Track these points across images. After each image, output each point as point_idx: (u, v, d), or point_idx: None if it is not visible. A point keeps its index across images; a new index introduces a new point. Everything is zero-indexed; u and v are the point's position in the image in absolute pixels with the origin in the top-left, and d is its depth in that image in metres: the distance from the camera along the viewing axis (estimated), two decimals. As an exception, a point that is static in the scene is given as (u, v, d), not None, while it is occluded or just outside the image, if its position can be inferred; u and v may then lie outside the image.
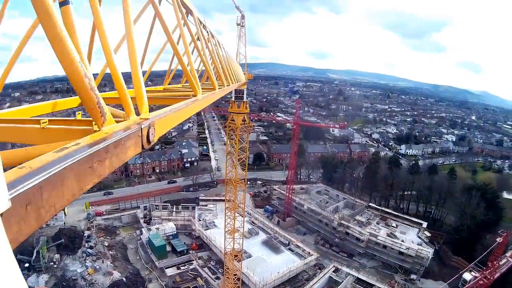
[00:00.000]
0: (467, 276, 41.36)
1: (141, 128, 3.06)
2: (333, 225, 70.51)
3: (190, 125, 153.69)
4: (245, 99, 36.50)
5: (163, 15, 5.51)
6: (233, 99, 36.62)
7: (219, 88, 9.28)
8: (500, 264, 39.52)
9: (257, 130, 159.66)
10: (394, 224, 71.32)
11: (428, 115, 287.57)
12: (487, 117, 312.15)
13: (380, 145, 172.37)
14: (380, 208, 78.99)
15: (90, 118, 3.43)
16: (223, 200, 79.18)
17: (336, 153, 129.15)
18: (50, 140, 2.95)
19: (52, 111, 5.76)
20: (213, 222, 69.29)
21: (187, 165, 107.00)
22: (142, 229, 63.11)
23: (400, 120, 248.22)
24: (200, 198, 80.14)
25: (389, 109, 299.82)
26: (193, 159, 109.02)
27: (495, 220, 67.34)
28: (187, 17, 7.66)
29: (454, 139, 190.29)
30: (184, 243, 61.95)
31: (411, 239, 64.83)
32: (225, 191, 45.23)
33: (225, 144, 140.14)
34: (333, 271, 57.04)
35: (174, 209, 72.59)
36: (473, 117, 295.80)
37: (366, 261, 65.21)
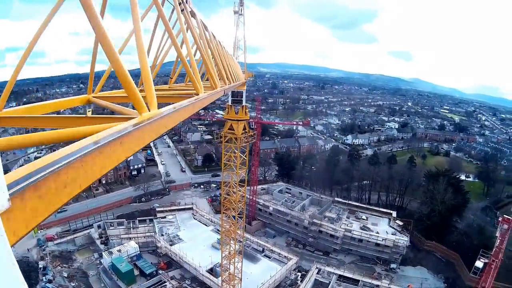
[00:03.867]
0: (478, 264, 45.63)
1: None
2: (303, 225, 72.37)
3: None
4: (244, 103, 33.49)
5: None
6: (229, 103, 33.52)
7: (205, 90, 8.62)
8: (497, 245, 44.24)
9: (200, 129, 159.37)
10: (364, 217, 75.53)
11: (365, 104, 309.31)
12: (422, 103, 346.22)
13: (325, 136, 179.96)
14: (346, 202, 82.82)
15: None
16: (181, 209, 78.45)
17: (286, 148, 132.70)
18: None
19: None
20: (177, 235, 67.15)
21: (134, 172, 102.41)
22: (103, 253, 58.75)
23: (339, 111, 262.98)
24: (156, 209, 77.20)
25: (326, 100, 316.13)
26: (139, 165, 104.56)
27: (463, 203, 74.72)
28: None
29: (397, 126, 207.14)
30: (151, 263, 59.23)
31: (384, 229, 69.48)
32: (221, 215, 42.37)
33: (169, 147, 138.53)
34: (317, 273, 58.82)
35: (131, 225, 69.42)
36: (410, 104, 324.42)
37: (343, 256, 68.40)
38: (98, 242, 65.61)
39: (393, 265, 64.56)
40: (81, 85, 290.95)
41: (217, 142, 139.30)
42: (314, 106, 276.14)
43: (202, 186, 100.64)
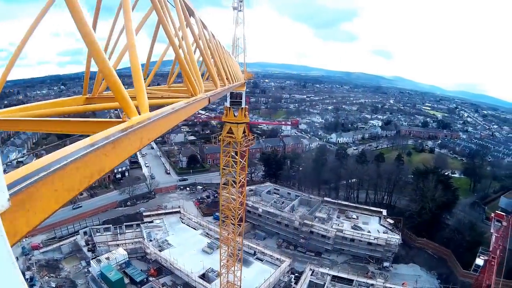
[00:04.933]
0: (479, 261, 46.70)
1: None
2: (294, 226, 72.52)
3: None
4: (244, 105, 32.09)
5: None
6: (228, 104, 31.88)
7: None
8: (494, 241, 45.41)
9: (183, 129, 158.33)
10: (354, 216, 76.19)
11: (347, 102, 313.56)
12: (404, 100, 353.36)
13: (309, 135, 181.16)
14: (336, 201, 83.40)
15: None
16: (169, 213, 77.54)
17: (271, 148, 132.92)
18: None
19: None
20: (166, 240, 66.36)
21: (118, 176, 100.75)
22: (91, 261, 57.31)
23: (322, 109, 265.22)
24: (143, 213, 76.13)
25: (308, 99, 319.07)
26: (123, 168, 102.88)
27: (453, 200, 76.39)
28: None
29: (380, 124, 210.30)
30: (141, 270, 58.20)
31: (375, 228, 70.38)
32: (220, 223, 41.47)
33: (152, 148, 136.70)
34: (310, 274, 58.95)
35: (118, 230, 68.24)
36: (392, 101, 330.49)
37: (335, 256, 68.97)
38: (85, 249, 64.24)
39: (386, 264, 65.44)
40: (62, 87, 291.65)
41: (201, 143, 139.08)
42: (296, 105, 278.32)
43: (188, 188, 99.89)
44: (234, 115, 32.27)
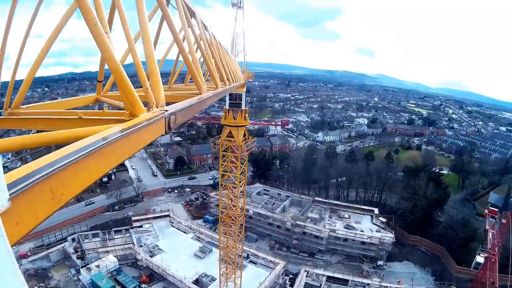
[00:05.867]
0: (479, 259, 47.08)
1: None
2: (286, 227, 72.36)
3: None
4: (243, 107, 30.83)
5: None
6: (227, 106, 30.69)
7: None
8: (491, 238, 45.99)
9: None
10: (346, 215, 76.53)
11: (332, 101, 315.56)
12: (389, 98, 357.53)
13: (296, 134, 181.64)
14: (327, 201, 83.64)
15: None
16: (158, 217, 76.55)
17: (258, 148, 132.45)
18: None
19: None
20: (157, 245, 65.24)
21: (105, 179, 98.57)
22: (81, 269, 55.81)
23: (307, 108, 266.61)
24: (132, 218, 74.69)
25: (292, 98, 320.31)
26: (110, 171, 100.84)
27: (445, 197, 77.44)
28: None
29: (366, 122, 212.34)
30: (133, 277, 56.96)
31: (367, 227, 70.91)
32: (219, 231, 40.60)
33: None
34: (306, 276, 58.83)
35: (107, 236, 66.65)
36: (376, 99, 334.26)
37: (329, 257, 69.12)
38: (74, 257, 62.57)
39: (380, 262, 65.98)
40: (45, 89, 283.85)
41: (188, 144, 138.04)
42: (281, 104, 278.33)
43: (176, 191, 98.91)
44: (234, 118, 31.17)
